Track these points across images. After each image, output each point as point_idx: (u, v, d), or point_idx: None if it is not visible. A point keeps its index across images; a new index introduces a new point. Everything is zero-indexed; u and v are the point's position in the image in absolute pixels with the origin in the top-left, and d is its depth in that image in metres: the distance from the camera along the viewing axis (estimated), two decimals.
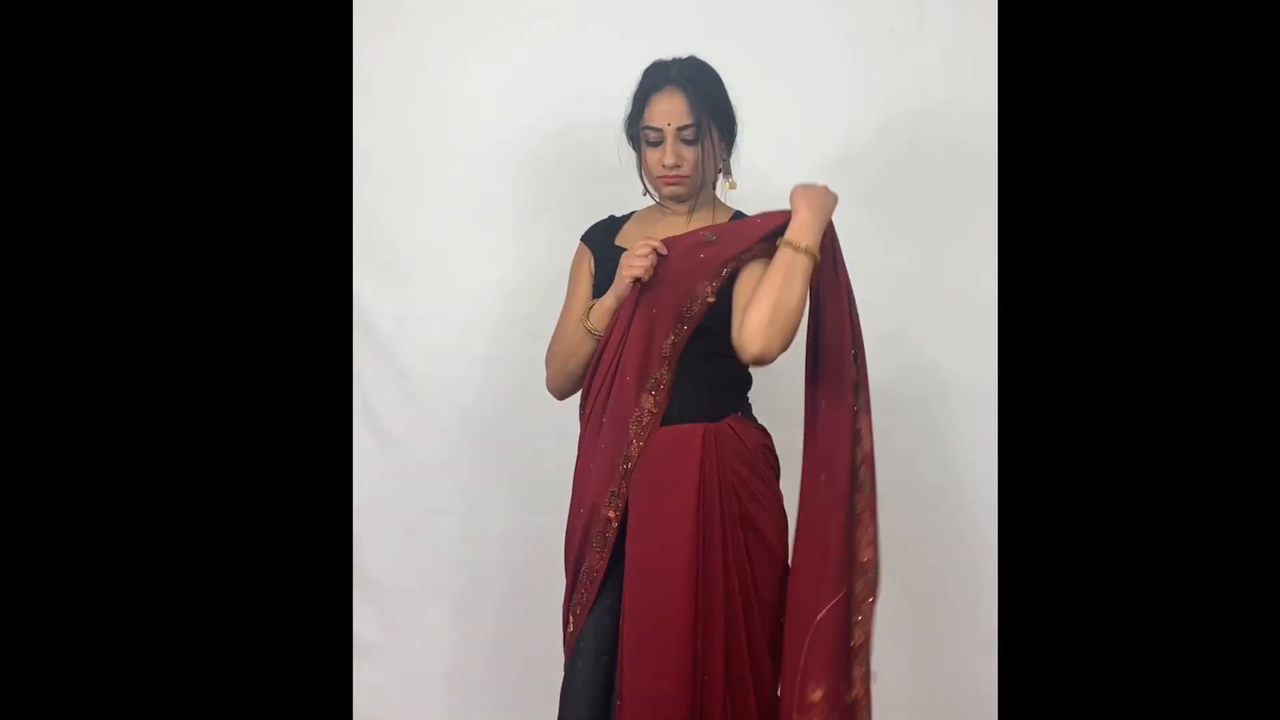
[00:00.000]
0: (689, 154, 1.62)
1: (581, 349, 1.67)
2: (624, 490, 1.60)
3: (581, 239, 1.78)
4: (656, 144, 1.62)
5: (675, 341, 1.61)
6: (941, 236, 2.17)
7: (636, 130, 1.66)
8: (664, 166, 1.62)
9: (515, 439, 2.25)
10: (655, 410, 1.60)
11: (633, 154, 1.72)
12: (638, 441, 1.60)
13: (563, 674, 1.71)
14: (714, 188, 1.71)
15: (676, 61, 1.65)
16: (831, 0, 2.16)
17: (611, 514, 1.61)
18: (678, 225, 1.68)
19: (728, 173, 1.69)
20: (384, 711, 2.24)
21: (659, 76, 1.63)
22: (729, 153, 1.69)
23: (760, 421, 1.74)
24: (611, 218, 1.78)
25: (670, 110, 1.60)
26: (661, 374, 1.61)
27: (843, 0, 2.16)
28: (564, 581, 1.78)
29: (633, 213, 1.78)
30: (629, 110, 1.67)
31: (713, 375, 1.64)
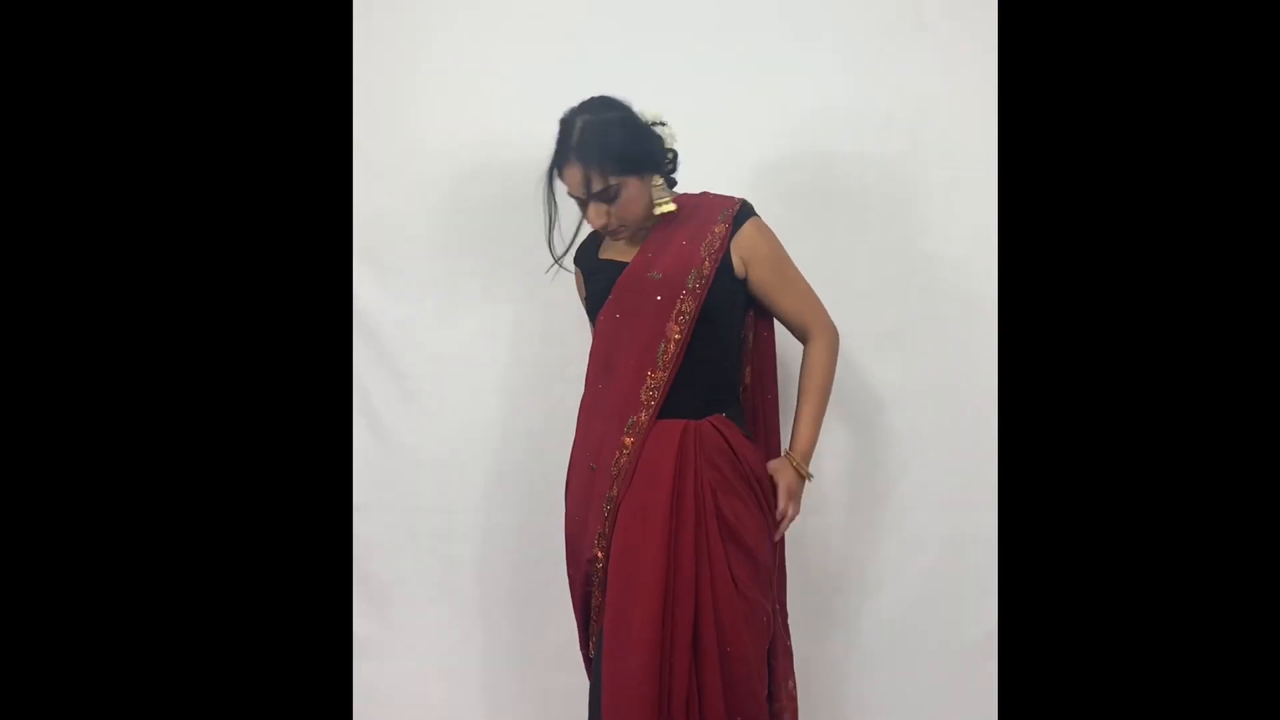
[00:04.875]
0: (612, 209, 1.66)
1: None
2: (608, 530, 1.66)
3: (574, 262, 1.82)
4: (583, 205, 1.67)
5: (652, 386, 1.67)
6: (941, 237, 2.17)
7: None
8: (595, 227, 1.68)
9: (515, 439, 2.25)
10: (631, 452, 1.66)
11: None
12: (618, 485, 1.66)
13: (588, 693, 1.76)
14: (656, 205, 1.69)
15: (576, 119, 1.65)
16: (831, 0, 2.16)
17: (600, 553, 1.67)
18: (640, 238, 1.72)
19: (664, 191, 1.69)
20: (384, 711, 2.24)
21: (562, 147, 1.65)
22: (663, 171, 1.70)
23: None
24: (594, 234, 1.80)
25: (576, 182, 1.64)
26: (639, 417, 1.66)
27: (842, 1, 2.16)
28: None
29: None
30: (549, 171, 1.68)
31: (701, 376, 1.68)
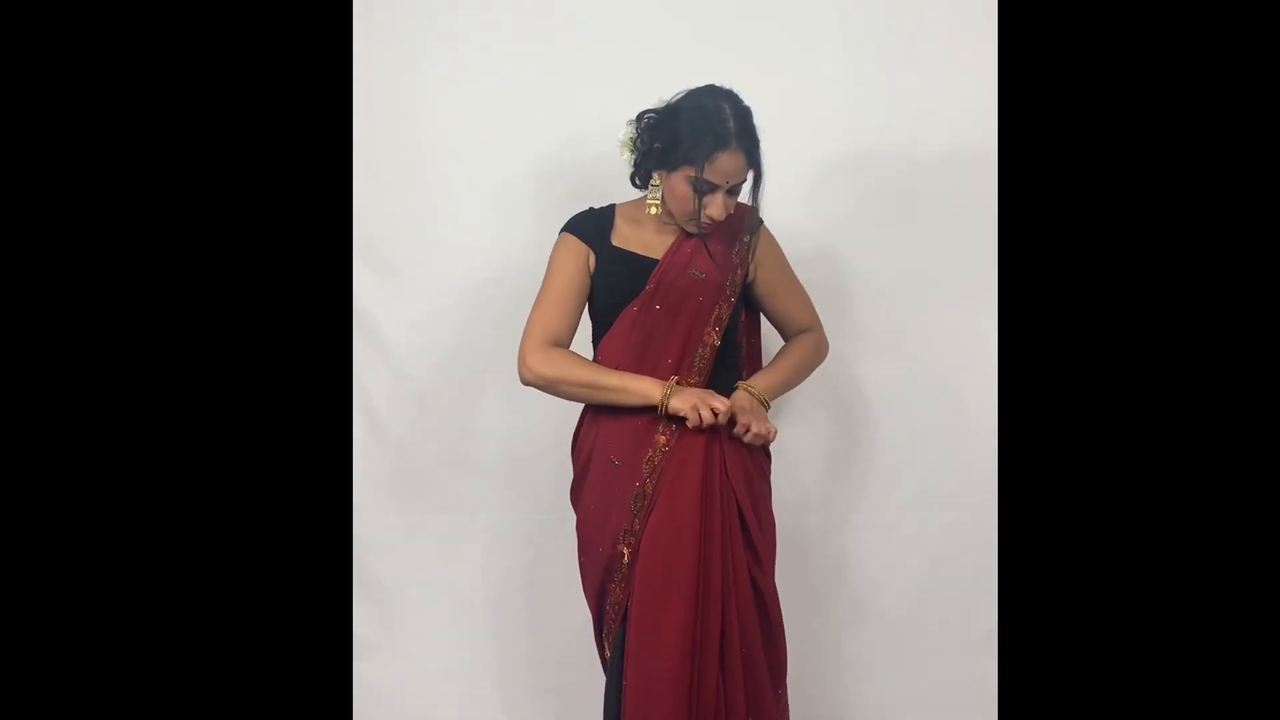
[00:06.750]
0: (732, 203, 1.65)
1: (614, 398, 1.65)
2: (637, 527, 1.64)
3: (570, 232, 1.74)
4: (706, 193, 1.61)
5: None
6: (942, 237, 2.17)
7: (675, 161, 1.61)
8: (710, 217, 1.62)
9: (514, 439, 2.25)
10: (667, 447, 1.65)
11: (625, 159, 1.70)
12: (650, 483, 1.64)
13: (604, 692, 1.74)
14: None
15: (731, 108, 1.59)
16: (832, 1, 2.16)
17: (625, 549, 1.65)
18: (669, 233, 1.70)
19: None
20: (384, 711, 2.24)
21: (721, 132, 1.57)
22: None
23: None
24: (591, 210, 1.76)
25: (733, 170, 1.59)
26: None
27: (843, 1, 2.16)
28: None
29: (612, 206, 1.76)
30: (680, 146, 1.59)
31: (721, 380, 1.70)
